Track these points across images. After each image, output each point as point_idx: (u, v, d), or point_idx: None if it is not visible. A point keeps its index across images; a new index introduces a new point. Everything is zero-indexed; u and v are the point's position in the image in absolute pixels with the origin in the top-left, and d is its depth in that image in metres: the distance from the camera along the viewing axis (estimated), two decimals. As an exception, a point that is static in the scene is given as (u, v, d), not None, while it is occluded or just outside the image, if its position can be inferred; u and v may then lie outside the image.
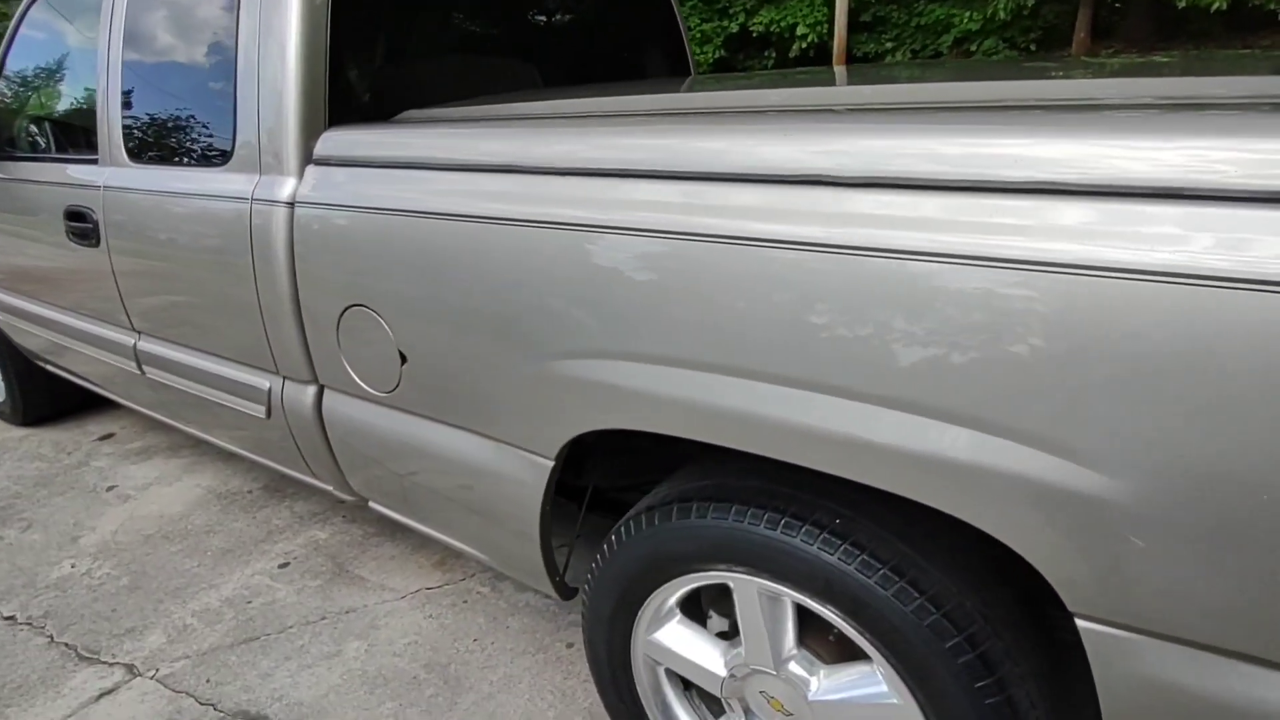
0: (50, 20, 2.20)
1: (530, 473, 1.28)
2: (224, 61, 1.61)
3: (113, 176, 1.89)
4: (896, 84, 1.19)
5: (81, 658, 1.85)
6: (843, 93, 1.24)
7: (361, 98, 1.59)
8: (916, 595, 0.97)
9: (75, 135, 2.11)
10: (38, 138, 2.23)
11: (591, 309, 1.09)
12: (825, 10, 10.58)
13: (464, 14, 1.97)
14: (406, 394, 1.42)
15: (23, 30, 2.26)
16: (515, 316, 1.18)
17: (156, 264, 1.82)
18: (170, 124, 1.78)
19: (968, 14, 9.65)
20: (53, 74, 2.21)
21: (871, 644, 1.03)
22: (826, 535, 1.02)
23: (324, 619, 1.94)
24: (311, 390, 1.63)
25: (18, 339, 2.71)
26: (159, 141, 1.80)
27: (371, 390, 1.48)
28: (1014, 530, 0.85)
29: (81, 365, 2.44)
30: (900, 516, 1.04)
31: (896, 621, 0.98)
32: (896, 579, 0.98)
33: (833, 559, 1.01)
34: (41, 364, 2.76)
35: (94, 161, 1.96)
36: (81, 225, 1.98)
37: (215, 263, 1.66)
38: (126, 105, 1.86)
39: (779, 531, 1.05)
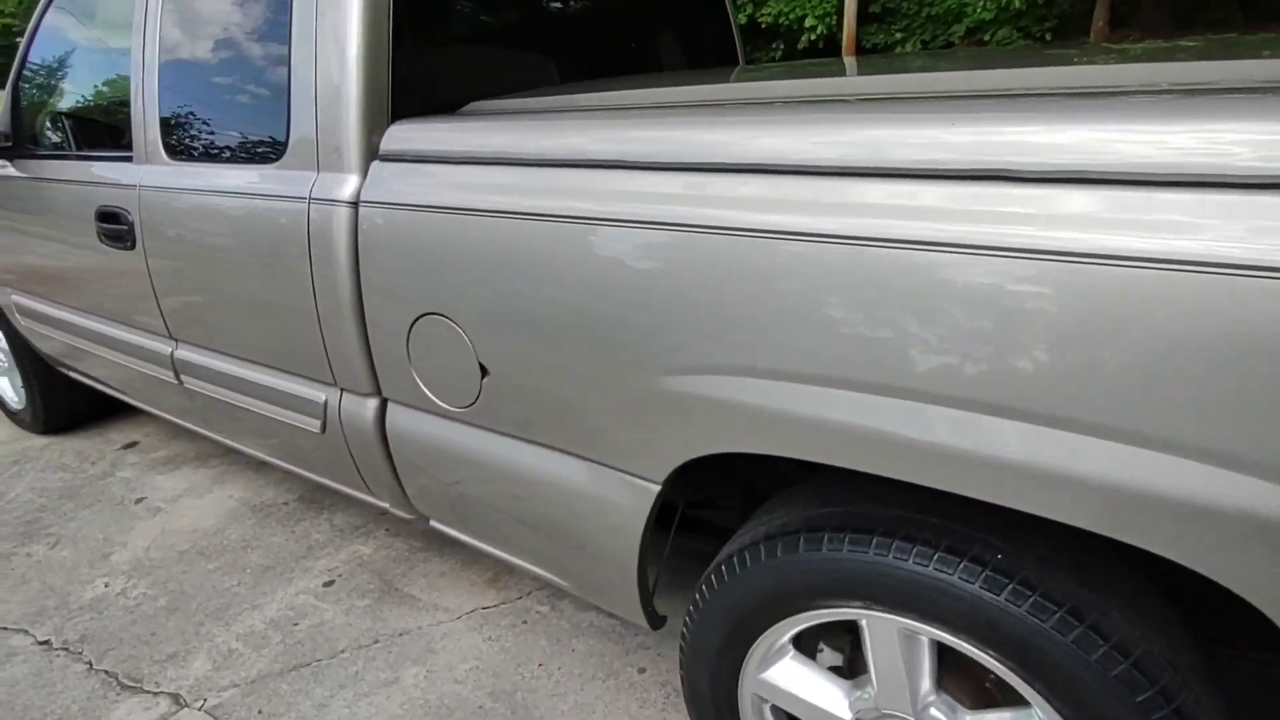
0: (75, 10, 2.08)
1: (632, 497, 1.17)
2: (275, 50, 1.49)
3: (150, 175, 1.77)
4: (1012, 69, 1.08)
5: (124, 686, 1.74)
6: (952, 79, 1.12)
7: (422, 89, 1.48)
8: (1101, 641, 0.86)
9: (106, 132, 1.99)
10: (64, 134, 2.11)
11: (721, 320, 0.98)
12: (834, 1, 10.44)
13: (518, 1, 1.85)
14: (486, 410, 1.31)
15: (46, 22, 2.14)
16: (623, 328, 1.07)
17: (199, 268, 1.71)
18: (215, 119, 1.66)
19: (981, 3, 9.51)
20: (79, 67, 2.09)
21: (1038, 692, 0.92)
22: (989, 573, 0.91)
23: (377, 642, 1.84)
24: (373, 404, 1.52)
25: (40, 345, 2.59)
26: (202, 138, 1.68)
27: (445, 405, 1.37)
28: (1244, 574, 0.74)
29: (109, 372, 2.33)
30: (1068, 549, 0.93)
31: (1075, 670, 0.88)
32: (1076, 623, 0.87)
33: (998, 599, 0.90)
34: (64, 370, 2.65)
35: (128, 159, 1.84)
36: (115, 227, 1.87)
37: (266, 267, 1.54)
38: (165, 99, 1.74)
39: (931, 567, 0.94)
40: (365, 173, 1.38)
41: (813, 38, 11.03)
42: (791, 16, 11.02)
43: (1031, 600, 0.89)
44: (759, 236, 0.92)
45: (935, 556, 0.94)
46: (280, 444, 1.85)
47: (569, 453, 1.23)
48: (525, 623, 1.88)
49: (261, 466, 2.67)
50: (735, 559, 1.13)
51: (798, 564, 1.05)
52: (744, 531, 1.17)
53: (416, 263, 1.29)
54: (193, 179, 1.67)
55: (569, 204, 1.09)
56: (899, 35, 11.03)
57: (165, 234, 1.75)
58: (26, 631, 1.93)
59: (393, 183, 1.32)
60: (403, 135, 1.34)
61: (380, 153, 1.36)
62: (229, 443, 2.11)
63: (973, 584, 0.92)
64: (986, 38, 9.59)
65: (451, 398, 1.36)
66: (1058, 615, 0.88)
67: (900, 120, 0.87)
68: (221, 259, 1.64)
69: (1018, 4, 8.93)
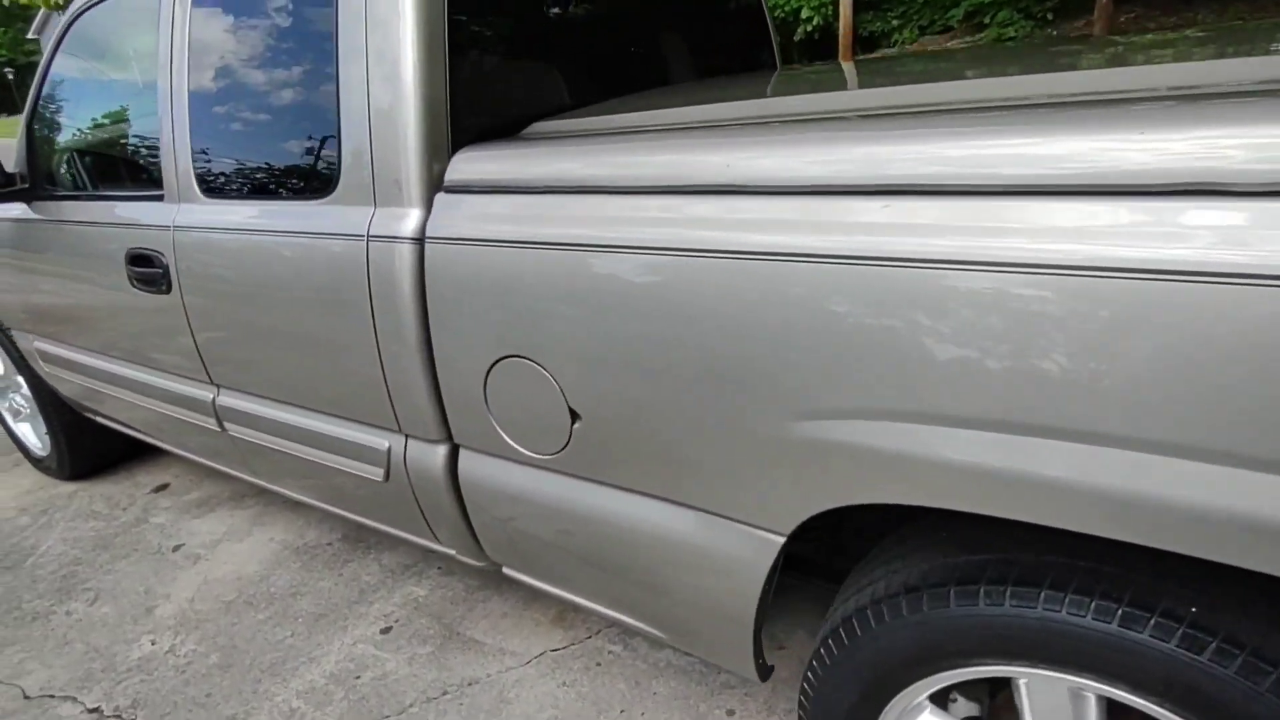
0: (91, 42, 1.98)
1: (752, 550, 1.08)
2: (321, 74, 1.40)
3: (185, 215, 1.67)
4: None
5: (185, 756, 1.65)
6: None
7: (478, 111, 1.38)
8: (1328, 706, 0.77)
9: (132, 170, 1.89)
10: (86, 174, 2.01)
11: (873, 358, 0.88)
12: (830, -9, 10.35)
13: (564, 8, 1.76)
14: (577, 456, 1.22)
15: (60, 55, 2.04)
16: (748, 368, 0.97)
17: (243, 312, 1.61)
18: (253, 153, 1.57)
19: (979, -15, 9.42)
20: (98, 103, 2.00)
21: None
22: (1186, 629, 0.82)
23: (446, 694, 1.74)
24: (443, 450, 1.42)
25: (65, 391, 2.50)
26: (240, 174, 1.59)
27: (528, 452, 1.28)
28: None
29: (140, 417, 2.23)
30: (1267, 598, 0.84)
31: (1295, 737, 0.78)
32: (1295, 684, 0.78)
33: (1201, 660, 0.81)
34: (90, 415, 2.55)
35: (158, 198, 1.75)
36: (149, 270, 1.77)
37: (321, 310, 1.45)
38: (197, 133, 1.64)
39: (1115, 624, 0.85)
40: (428, 206, 1.29)
41: (809, 29, 10.94)
42: (788, 8, 10.93)
43: (1240, 660, 0.80)
44: (917, 265, 0.83)
45: (1118, 612, 0.85)
46: (335, 491, 1.75)
47: (675, 502, 1.14)
48: (599, 665, 1.79)
49: (299, 504, 2.57)
50: (869, 614, 1.03)
51: (949, 620, 0.96)
52: (867, 581, 1.08)
53: (494, 302, 1.20)
54: (232, 218, 1.57)
55: (680, 234, 0.99)
56: (895, 22, 10.95)
57: (205, 277, 1.65)
58: (75, 699, 1.84)
59: (463, 216, 1.23)
60: (471, 164, 1.25)
61: (446, 184, 1.27)
62: (274, 488, 2.02)
63: (1167, 642, 0.83)
64: (986, 20, 9.48)
65: (536, 444, 1.26)
66: (1274, 677, 0.79)
67: (1091, 130, 0.77)
68: (269, 302, 1.54)
69: (1017, -15, 8.84)
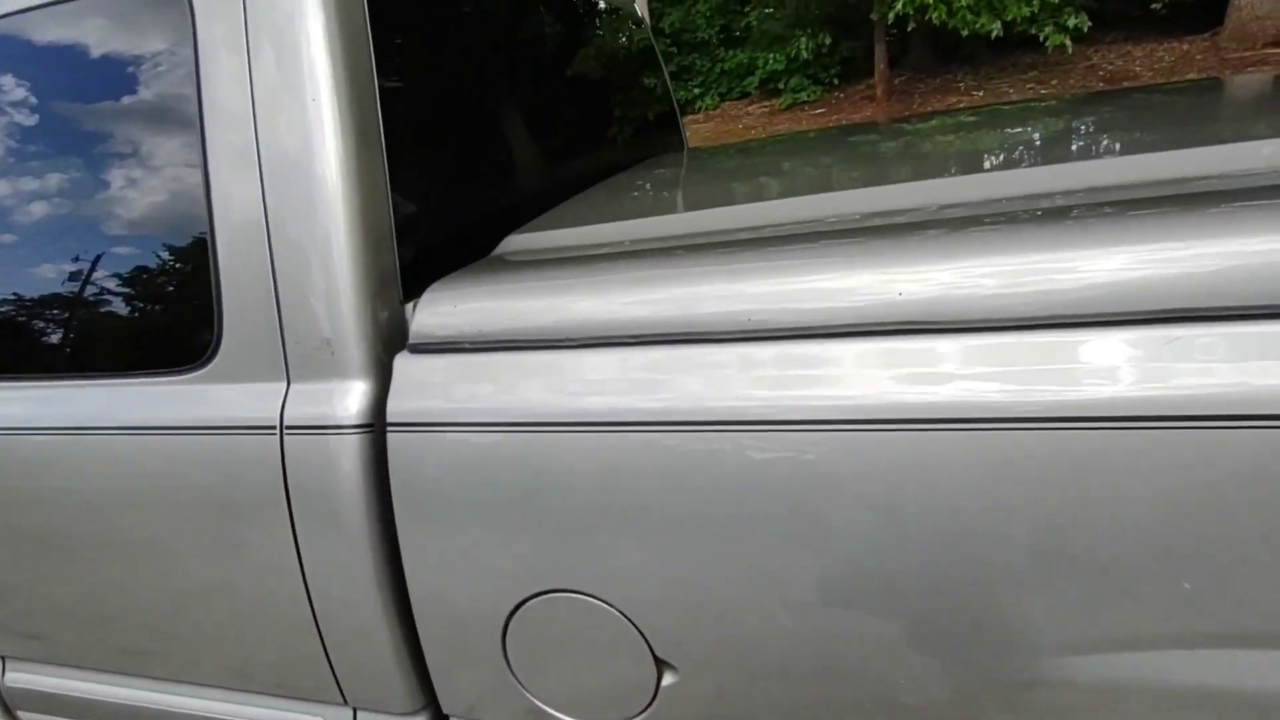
0: None
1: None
2: (177, 185, 0.92)
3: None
4: None
5: None
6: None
7: (433, 221, 0.97)
8: None
9: None
10: None
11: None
12: (635, 63, 10.65)
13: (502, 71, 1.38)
14: (668, 724, 0.81)
15: None
16: (970, 583, 0.64)
17: (47, 542, 1.04)
18: (70, 309, 1.02)
19: (771, 55, 10.12)
20: None
21: None
22: None
23: None
24: (421, 724, 0.95)
25: None
26: (47, 341, 1.03)
27: (578, 721, 0.85)
28: None
29: None
30: None
31: None
32: None
33: None
34: None
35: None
36: None
37: (192, 542, 0.94)
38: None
39: None
40: (381, 374, 0.85)
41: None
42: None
43: None
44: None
45: None
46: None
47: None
48: None
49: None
50: None
51: None
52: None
53: (521, 515, 0.78)
54: (27, 409, 1.01)
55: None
56: (697, 90, 11.48)
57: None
58: None
59: (451, 387, 0.80)
60: (453, 305, 0.83)
61: (415, 338, 0.84)
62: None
63: None
64: (781, 85, 10.17)
65: (594, 709, 0.84)
66: None
67: None
68: (94, 534, 0.99)
69: (805, 54, 9.57)
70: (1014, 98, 8.12)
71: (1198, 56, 7.84)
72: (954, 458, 0.63)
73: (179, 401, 0.92)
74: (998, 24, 7.52)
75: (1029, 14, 7.45)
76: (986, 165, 1.09)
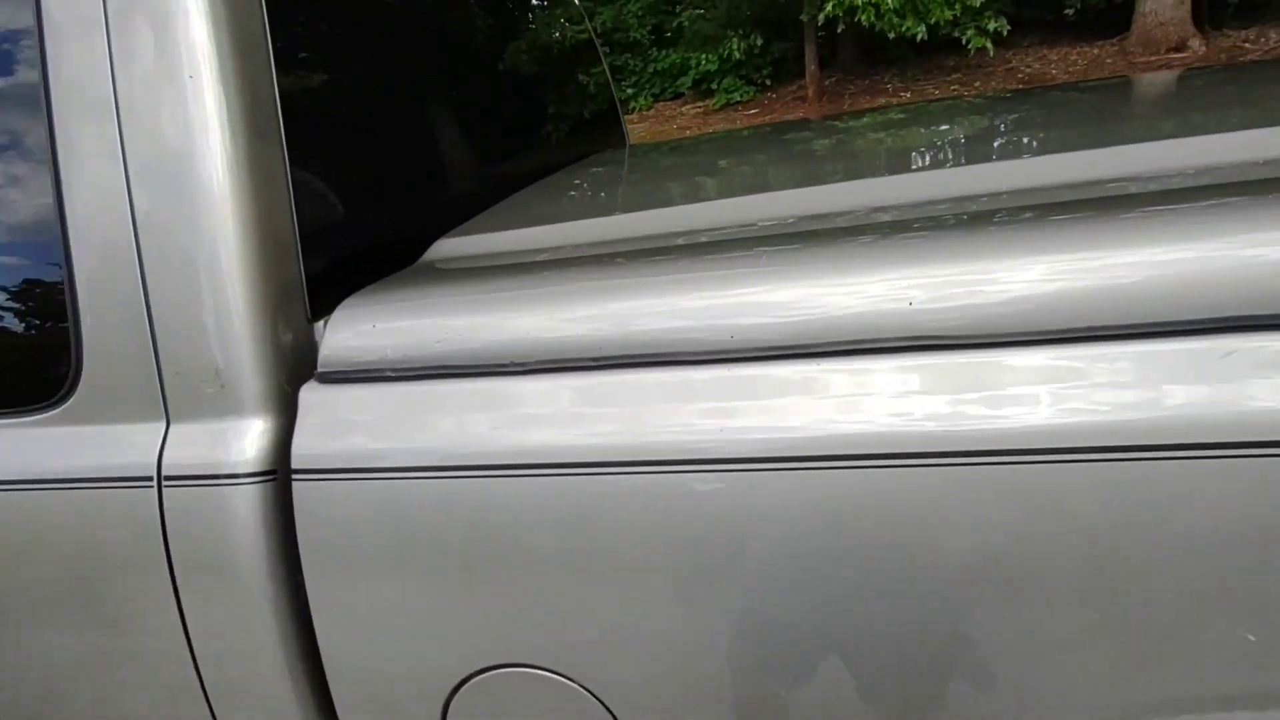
0: None
1: None
2: (21, 185, 0.74)
3: None
4: None
5: None
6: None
7: (342, 225, 0.83)
8: None
9: None
10: None
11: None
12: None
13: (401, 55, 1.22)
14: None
15: None
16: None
17: None
18: None
19: (704, 56, 10.12)
20: None
21: None
22: None
23: None
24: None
25: None
26: None
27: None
28: None
29: None
30: None
31: None
32: None
33: None
34: None
35: None
36: None
37: (51, 609, 0.77)
38: None
39: None
40: (284, 409, 0.70)
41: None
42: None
43: None
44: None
45: None
46: None
47: None
48: None
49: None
50: None
51: None
52: None
53: (465, 578, 0.64)
54: None
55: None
56: (630, 91, 11.40)
57: None
58: None
59: (369, 423, 0.66)
60: (369, 327, 0.68)
61: (324, 364, 0.69)
62: None
63: None
64: (714, 86, 10.18)
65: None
66: None
67: None
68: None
69: (738, 54, 9.60)
70: (938, 96, 8.32)
71: (1107, 60, 8.19)
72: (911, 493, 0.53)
73: (28, 449, 0.75)
74: (922, 27, 7.67)
75: (951, 17, 7.62)
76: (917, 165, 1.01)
